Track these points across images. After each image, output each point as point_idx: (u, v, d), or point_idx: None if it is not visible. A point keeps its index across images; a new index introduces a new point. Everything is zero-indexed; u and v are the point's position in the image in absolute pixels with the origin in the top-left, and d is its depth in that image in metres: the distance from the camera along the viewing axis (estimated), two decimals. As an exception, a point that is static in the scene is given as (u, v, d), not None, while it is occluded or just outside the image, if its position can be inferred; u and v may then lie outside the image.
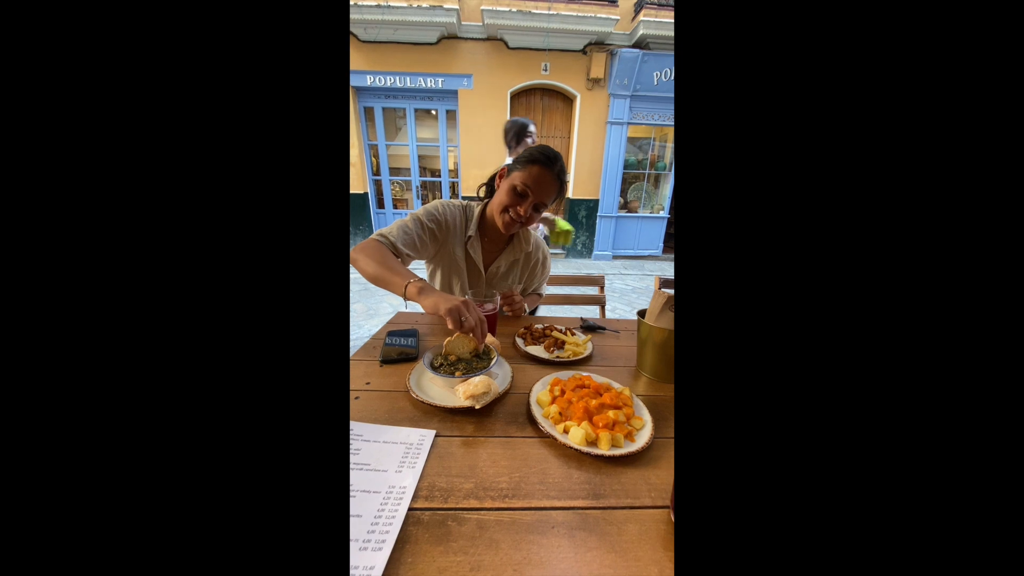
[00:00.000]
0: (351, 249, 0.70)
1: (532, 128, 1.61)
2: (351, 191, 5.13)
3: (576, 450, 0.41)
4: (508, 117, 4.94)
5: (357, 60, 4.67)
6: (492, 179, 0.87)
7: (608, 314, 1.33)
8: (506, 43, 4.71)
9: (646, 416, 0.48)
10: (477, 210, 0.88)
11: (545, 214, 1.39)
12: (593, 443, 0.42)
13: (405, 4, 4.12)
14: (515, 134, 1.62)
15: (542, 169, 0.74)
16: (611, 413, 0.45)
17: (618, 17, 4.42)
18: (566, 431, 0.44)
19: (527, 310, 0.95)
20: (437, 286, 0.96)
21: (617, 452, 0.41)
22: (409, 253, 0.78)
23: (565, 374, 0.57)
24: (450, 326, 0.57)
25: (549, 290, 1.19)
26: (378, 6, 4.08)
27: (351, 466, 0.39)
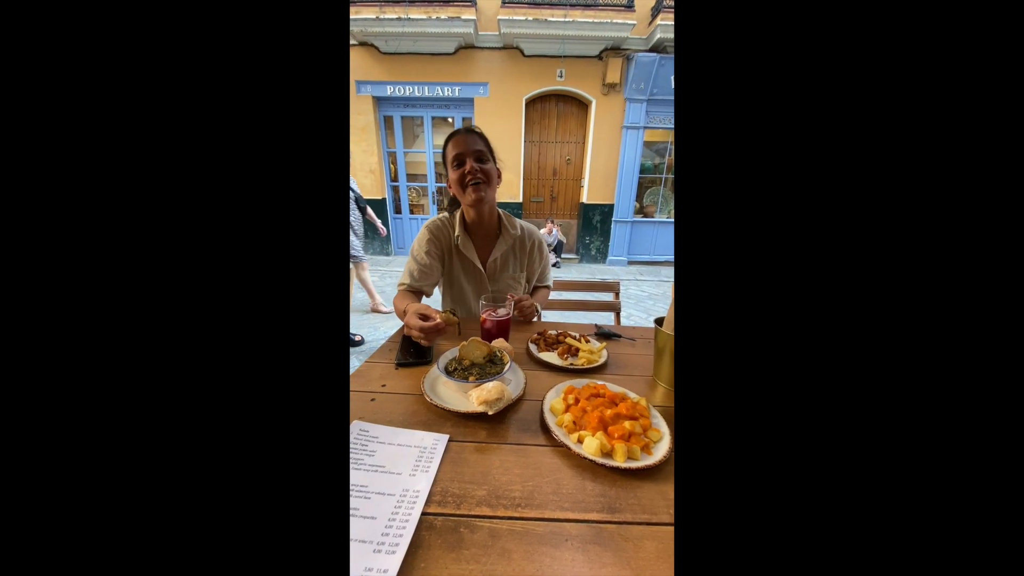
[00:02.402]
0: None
1: None
2: (371, 197, 5.28)
3: (591, 461, 0.41)
4: (523, 124, 5.01)
5: (378, 71, 4.83)
6: (452, 196, 0.94)
7: (623, 321, 1.31)
8: (522, 51, 4.76)
9: (664, 428, 0.47)
10: (457, 214, 0.96)
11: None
12: (608, 454, 0.41)
13: (424, 16, 4.25)
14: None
15: (455, 136, 0.87)
16: (627, 424, 0.44)
17: (635, 22, 4.40)
18: (580, 441, 0.44)
19: (539, 311, 0.95)
20: (449, 296, 1.03)
21: (633, 465, 0.40)
22: (426, 285, 0.93)
23: (579, 382, 0.56)
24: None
25: (563, 296, 1.18)
26: (398, 19, 4.22)
27: (367, 467, 0.39)
